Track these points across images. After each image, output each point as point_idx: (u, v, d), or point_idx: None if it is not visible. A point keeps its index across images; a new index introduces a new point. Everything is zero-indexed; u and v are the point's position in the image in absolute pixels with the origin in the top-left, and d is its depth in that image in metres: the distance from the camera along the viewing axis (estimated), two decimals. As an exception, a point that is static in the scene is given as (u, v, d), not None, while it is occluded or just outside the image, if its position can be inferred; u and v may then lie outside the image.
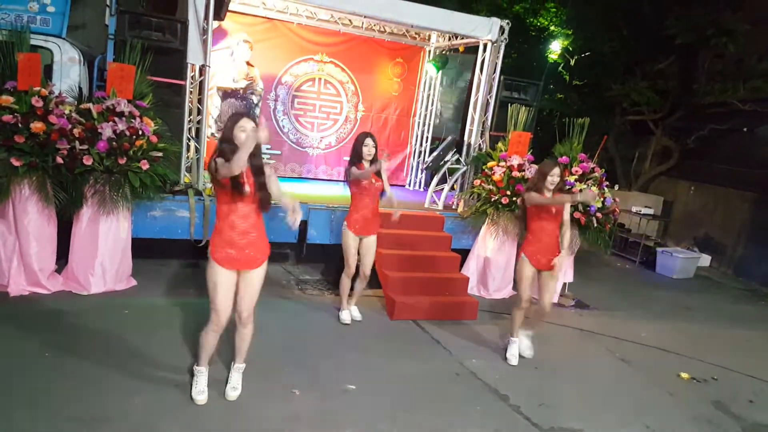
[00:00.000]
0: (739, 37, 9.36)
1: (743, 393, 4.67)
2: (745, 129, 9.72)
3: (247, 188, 3.09)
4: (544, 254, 4.38)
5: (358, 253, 4.82)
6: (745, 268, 9.34)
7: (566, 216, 4.42)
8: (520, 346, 4.64)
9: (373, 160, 4.59)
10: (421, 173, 8.39)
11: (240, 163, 2.89)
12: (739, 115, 9.62)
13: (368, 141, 4.60)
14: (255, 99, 6.57)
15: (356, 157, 4.63)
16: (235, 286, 3.27)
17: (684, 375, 4.86)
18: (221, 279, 3.19)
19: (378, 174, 4.59)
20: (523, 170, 6.18)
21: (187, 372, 3.70)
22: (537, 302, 4.62)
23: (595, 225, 6.17)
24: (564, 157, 6.41)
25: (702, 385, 4.75)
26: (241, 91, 6.26)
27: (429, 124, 8.28)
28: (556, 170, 4.27)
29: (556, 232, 4.40)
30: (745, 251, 9.44)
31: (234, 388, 3.49)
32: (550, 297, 4.51)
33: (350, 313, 5.04)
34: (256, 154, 3.07)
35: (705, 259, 9.68)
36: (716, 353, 5.44)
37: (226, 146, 3.06)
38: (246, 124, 3.07)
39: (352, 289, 5.01)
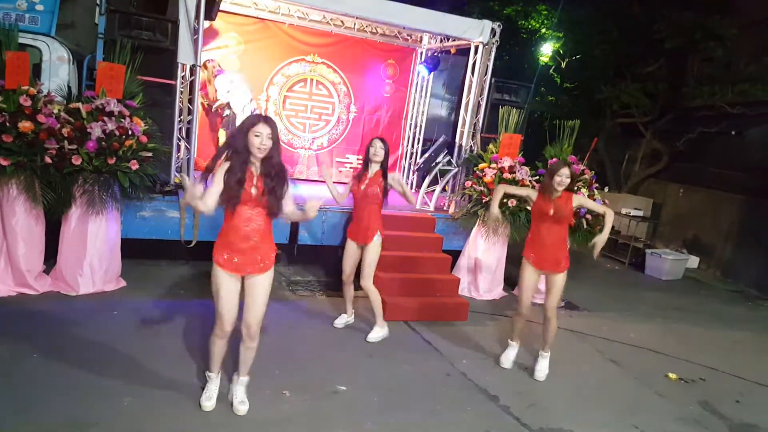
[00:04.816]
0: (727, 41, 9.48)
1: (730, 393, 4.71)
2: (733, 132, 9.82)
3: (254, 191, 2.99)
4: (545, 258, 4.25)
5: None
6: (733, 269, 9.43)
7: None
8: (535, 368, 4.45)
9: (383, 164, 4.53)
10: (413, 174, 8.40)
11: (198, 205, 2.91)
12: (727, 119, 9.72)
13: (375, 142, 4.55)
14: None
15: (366, 160, 4.61)
16: (239, 292, 3.16)
17: (672, 375, 4.89)
18: (223, 282, 3.10)
19: (375, 179, 4.53)
20: (514, 172, 6.20)
21: (176, 374, 3.69)
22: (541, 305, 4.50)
23: (585, 227, 6.21)
24: (554, 159, 6.45)
25: (690, 385, 4.79)
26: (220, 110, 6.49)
27: (421, 126, 8.29)
28: (565, 171, 4.10)
29: (558, 234, 4.24)
30: (733, 253, 9.53)
31: (242, 402, 3.35)
32: (555, 298, 4.32)
33: (344, 318, 5.01)
34: (271, 157, 3.00)
35: (693, 261, 9.77)
36: (704, 354, 5.48)
37: (236, 158, 2.96)
38: (263, 129, 2.93)
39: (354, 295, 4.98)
